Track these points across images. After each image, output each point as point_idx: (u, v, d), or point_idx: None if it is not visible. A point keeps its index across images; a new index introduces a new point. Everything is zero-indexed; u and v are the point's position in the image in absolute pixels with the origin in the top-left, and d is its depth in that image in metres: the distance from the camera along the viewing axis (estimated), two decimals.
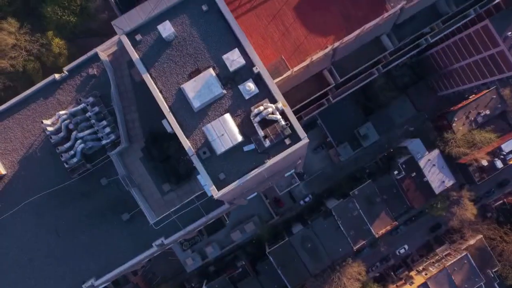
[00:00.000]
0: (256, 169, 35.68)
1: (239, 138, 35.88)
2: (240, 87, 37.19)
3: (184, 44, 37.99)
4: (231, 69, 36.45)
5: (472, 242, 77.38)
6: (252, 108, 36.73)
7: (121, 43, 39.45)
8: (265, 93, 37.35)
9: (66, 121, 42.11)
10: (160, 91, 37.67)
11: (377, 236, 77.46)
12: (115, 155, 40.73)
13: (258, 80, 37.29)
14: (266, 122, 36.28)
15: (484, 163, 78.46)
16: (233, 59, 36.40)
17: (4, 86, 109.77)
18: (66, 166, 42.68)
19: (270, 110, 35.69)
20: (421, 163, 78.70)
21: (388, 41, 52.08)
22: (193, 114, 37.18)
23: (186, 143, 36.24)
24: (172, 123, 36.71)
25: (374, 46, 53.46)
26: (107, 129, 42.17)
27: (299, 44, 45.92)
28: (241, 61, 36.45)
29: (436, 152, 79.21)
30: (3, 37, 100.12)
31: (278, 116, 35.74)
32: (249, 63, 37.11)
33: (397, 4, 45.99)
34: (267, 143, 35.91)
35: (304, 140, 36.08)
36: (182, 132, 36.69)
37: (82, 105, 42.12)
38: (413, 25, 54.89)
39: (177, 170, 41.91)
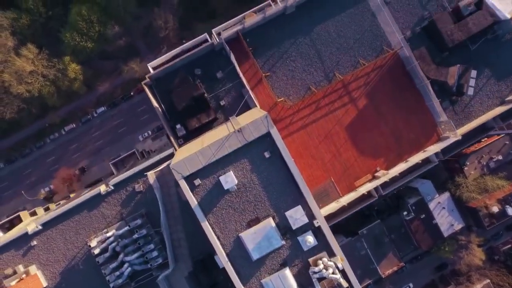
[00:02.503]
0: None
1: None
2: (299, 238, 36.86)
3: (244, 191, 37.34)
4: (294, 227, 36.13)
5: (479, 286, 78.33)
6: (310, 261, 36.42)
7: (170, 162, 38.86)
8: (323, 245, 37.31)
9: (113, 244, 41.45)
10: (218, 238, 37.22)
11: (383, 276, 78.37)
12: (162, 280, 40.42)
13: (318, 232, 36.85)
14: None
15: (495, 209, 79.03)
16: (297, 218, 36.00)
17: (19, 108, 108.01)
18: (110, 285, 42.22)
19: (330, 270, 35.50)
20: (431, 206, 78.95)
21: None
22: (251, 263, 37.05)
23: None
24: (229, 271, 36.63)
25: None
26: (155, 253, 41.78)
27: (349, 166, 45.40)
28: (304, 220, 36.16)
29: (446, 195, 79.43)
30: (22, 64, 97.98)
31: (338, 276, 35.46)
32: (310, 216, 36.55)
33: (449, 128, 45.24)
34: None
35: None
36: (239, 281, 36.43)
37: (129, 227, 41.46)
38: None
39: None
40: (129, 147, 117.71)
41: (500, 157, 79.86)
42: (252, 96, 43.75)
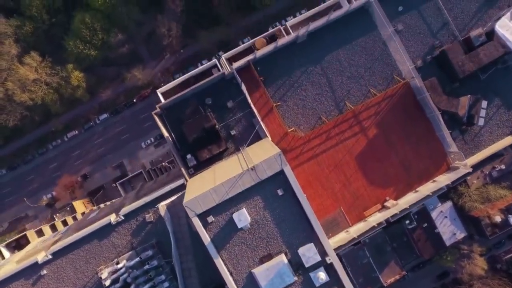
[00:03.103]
0: None
1: None
2: (311, 274, 37.12)
3: (257, 227, 37.47)
4: (307, 265, 36.25)
5: None
6: None
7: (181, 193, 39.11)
8: (335, 281, 37.42)
9: (124, 275, 41.55)
10: (231, 274, 37.39)
11: (385, 285, 78.76)
12: None
13: (330, 269, 37.02)
14: None
15: (498, 219, 79.30)
16: (309, 256, 36.18)
17: (21, 116, 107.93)
18: None
19: None
20: (433, 215, 79.17)
21: None
22: None
23: None
24: None
25: None
26: (166, 284, 42.16)
27: (358, 196, 45.51)
28: (317, 258, 36.31)
29: (449, 204, 79.62)
30: (26, 72, 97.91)
31: None
32: (322, 253, 36.69)
33: (459, 158, 45.33)
34: None
35: None
36: None
37: (140, 259, 41.56)
38: None
39: None
40: (132, 154, 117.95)
41: (502, 167, 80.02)
42: (263, 126, 43.67)
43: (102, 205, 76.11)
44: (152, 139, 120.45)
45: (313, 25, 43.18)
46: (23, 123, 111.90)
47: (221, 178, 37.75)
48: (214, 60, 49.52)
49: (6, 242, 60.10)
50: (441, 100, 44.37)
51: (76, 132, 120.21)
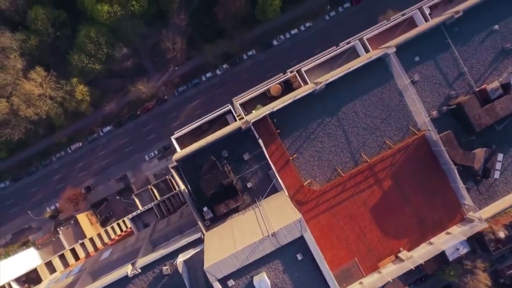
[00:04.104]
0: None
1: None
2: None
3: None
4: None
5: None
6: None
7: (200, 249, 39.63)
8: None
9: None
10: None
11: None
12: None
13: None
14: None
15: (501, 235, 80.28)
16: None
17: (26, 129, 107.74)
18: None
19: None
20: None
21: None
22: None
23: None
24: None
25: None
26: None
27: (373, 247, 45.85)
28: None
29: None
30: (31, 88, 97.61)
31: None
32: None
33: (473, 210, 45.74)
34: None
35: None
36: None
37: None
38: None
39: None
40: (135, 166, 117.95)
41: None
42: (279, 179, 43.79)
43: (112, 234, 76.27)
44: (156, 152, 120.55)
45: (332, 77, 43.07)
46: (27, 136, 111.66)
47: (240, 240, 37.95)
48: (228, 105, 49.51)
49: (16, 277, 60.21)
50: (456, 154, 44.54)
51: (80, 144, 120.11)
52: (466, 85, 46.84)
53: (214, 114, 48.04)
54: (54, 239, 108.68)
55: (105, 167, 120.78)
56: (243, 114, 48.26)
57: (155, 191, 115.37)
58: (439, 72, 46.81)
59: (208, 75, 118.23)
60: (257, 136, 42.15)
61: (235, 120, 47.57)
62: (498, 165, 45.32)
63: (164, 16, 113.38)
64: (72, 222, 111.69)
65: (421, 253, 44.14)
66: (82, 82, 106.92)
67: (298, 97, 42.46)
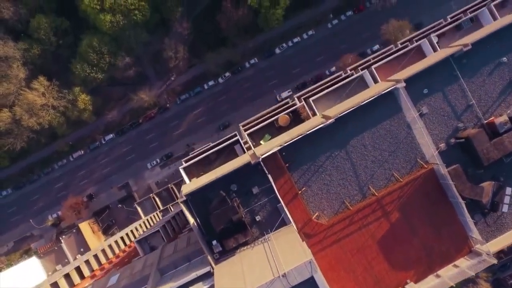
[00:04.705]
0: None
1: None
2: None
3: None
4: None
5: None
6: None
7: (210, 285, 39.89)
8: None
9: None
10: None
11: None
12: None
13: None
14: None
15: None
16: None
17: (28, 138, 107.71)
18: None
19: None
20: None
21: None
22: None
23: None
24: None
25: None
26: None
27: (380, 279, 46.18)
28: None
29: None
30: (34, 98, 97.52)
31: None
32: None
33: (481, 243, 46.09)
34: None
35: None
36: None
37: None
38: None
39: None
40: (137, 174, 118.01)
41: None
42: (287, 212, 44.01)
43: (115, 247, 76.43)
44: (158, 160, 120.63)
45: (341, 112, 43.15)
46: (29, 144, 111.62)
47: (250, 280, 38.19)
48: (235, 134, 49.58)
49: None
50: (464, 188, 44.74)
51: (82, 152, 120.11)
52: (474, 117, 46.88)
53: (221, 145, 48.06)
54: (56, 248, 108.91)
55: (107, 175, 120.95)
56: (251, 144, 48.29)
57: (157, 199, 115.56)
58: (447, 104, 46.87)
59: (210, 83, 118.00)
60: (266, 172, 42.18)
61: (243, 151, 47.57)
62: (507, 199, 45.56)
63: (167, 24, 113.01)
64: (74, 231, 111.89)
65: (428, 286, 44.34)
66: (84, 91, 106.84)
67: (307, 132, 42.36)
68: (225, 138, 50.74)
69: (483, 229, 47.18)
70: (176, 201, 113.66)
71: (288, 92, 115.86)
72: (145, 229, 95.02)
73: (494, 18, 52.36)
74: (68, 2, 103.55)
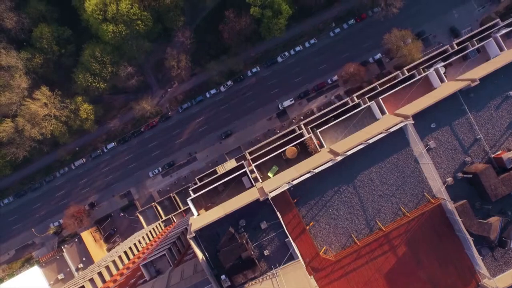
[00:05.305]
0: None
1: None
2: None
3: None
4: None
5: None
6: None
7: None
8: None
9: None
10: None
11: None
12: None
13: None
14: None
15: None
16: None
17: (30, 147, 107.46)
18: None
19: None
20: None
21: None
22: None
23: None
24: None
25: None
26: None
27: None
28: None
29: None
30: (36, 109, 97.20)
31: None
32: None
33: (487, 277, 46.44)
34: None
35: None
36: None
37: None
38: None
39: None
40: (139, 183, 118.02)
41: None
42: (295, 247, 44.23)
43: (119, 263, 76.59)
44: (160, 169, 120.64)
45: (349, 150, 43.24)
46: (31, 153, 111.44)
47: None
48: (242, 163, 49.64)
49: None
50: (472, 224, 44.99)
51: (84, 160, 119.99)
52: (481, 151, 47.03)
53: (229, 177, 48.13)
54: (58, 257, 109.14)
55: (109, 183, 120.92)
56: (258, 176, 48.37)
57: (159, 208, 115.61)
58: (454, 138, 47.00)
59: (213, 91, 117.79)
60: (275, 209, 42.35)
61: (251, 183, 47.65)
62: None
63: (169, 34, 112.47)
64: (76, 239, 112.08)
65: None
66: (86, 100, 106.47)
67: (316, 171, 42.47)
68: (232, 167, 50.69)
69: (490, 263, 47.48)
70: (179, 210, 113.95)
71: (290, 101, 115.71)
72: (147, 241, 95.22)
73: (501, 49, 52.29)
74: (71, 11, 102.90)
